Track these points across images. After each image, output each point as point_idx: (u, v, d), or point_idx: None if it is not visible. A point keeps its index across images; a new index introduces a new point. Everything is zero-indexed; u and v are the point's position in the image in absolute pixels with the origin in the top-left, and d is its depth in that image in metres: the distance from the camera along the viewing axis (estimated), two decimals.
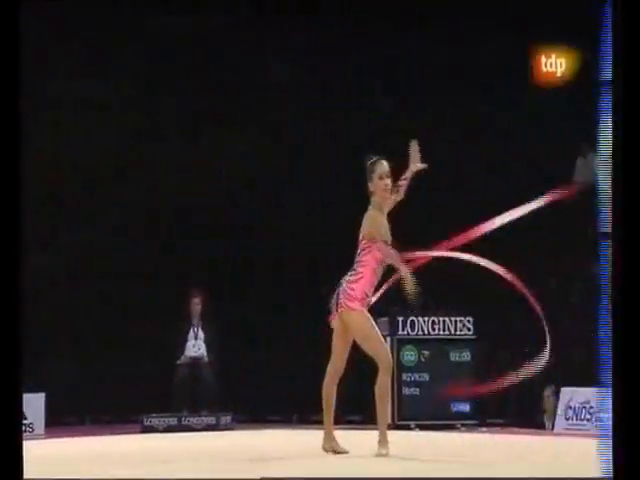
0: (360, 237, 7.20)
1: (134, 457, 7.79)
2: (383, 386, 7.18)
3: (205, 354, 12.70)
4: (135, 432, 11.72)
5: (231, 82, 14.91)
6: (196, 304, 12.83)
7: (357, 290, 7.17)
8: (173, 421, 12.04)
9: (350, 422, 12.04)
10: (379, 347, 7.22)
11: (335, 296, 7.31)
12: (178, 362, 12.70)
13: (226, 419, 12.18)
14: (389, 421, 11.62)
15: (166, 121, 15.27)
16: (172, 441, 9.99)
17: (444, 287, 13.52)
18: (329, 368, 7.48)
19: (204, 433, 11.57)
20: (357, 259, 7.21)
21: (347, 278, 7.22)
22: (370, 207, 7.20)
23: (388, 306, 11.85)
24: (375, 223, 7.11)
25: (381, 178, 7.13)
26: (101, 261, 14.51)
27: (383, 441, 7.09)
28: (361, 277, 7.16)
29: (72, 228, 14.41)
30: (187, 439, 10.34)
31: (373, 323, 7.27)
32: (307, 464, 6.78)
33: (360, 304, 7.17)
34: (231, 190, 15.12)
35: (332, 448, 7.23)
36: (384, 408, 7.23)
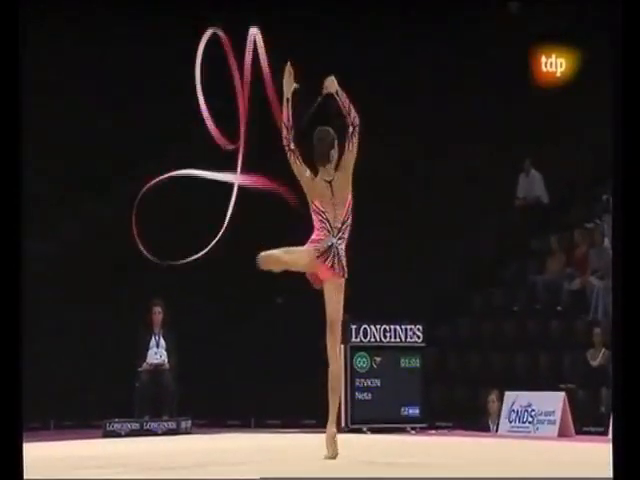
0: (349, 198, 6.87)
1: (98, 461, 7.68)
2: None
3: (166, 361, 12.59)
4: (97, 437, 11.56)
5: None
6: (157, 313, 12.72)
7: None
8: (135, 426, 11.93)
9: (305, 426, 11.98)
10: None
11: (336, 257, 6.75)
12: (140, 369, 12.58)
13: (186, 424, 12.10)
14: (342, 424, 11.63)
15: (135, 136, 15.14)
16: (134, 445, 9.86)
17: (395, 297, 13.55)
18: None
19: (165, 437, 11.46)
20: (347, 219, 6.83)
21: (342, 242, 6.80)
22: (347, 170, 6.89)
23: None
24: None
25: None
26: (65, 269, 14.36)
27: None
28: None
29: (37, 238, 14.23)
30: (148, 443, 10.22)
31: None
32: (262, 467, 6.68)
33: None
34: (193, 199, 15.02)
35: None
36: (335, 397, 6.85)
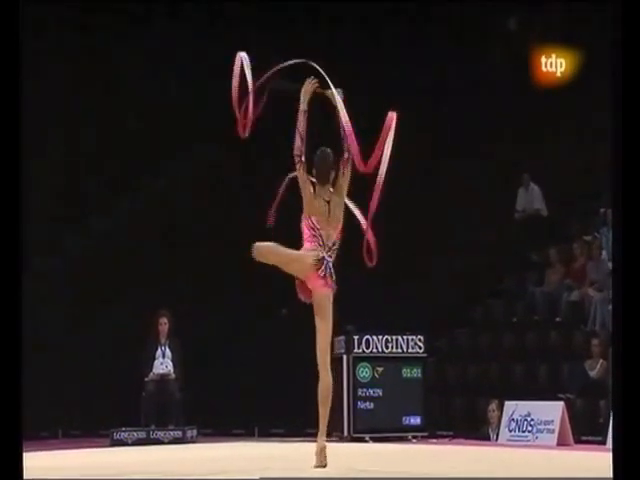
0: (340, 222, 6.87)
1: (105, 469, 7.68)
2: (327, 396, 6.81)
3: (172, 371, 12.58)
4: (105, 445, 11.55)
5: None
6: (164, 323, 12.72)
7: None
8: (141, 435, 11.93)
9: (308, 435, 11.96)
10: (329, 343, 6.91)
11: (328, 269, 6.81)
12: (146, 379, 12.57)
13: (192, 432, 12.10)
14: (345, 433, 11.62)
15: (139, 149, 15.16)
16: (140, 454, 9.85)
17: (396, 308, 13.54)
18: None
19: (171, 446, 11.44)
20: (336, 242, 6.87)
21: (330, 260, 6.83)
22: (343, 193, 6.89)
23: (343, 325, 11.83)
24: None
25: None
26: (72, 282, 14.38)
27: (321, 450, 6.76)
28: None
29: (44, 251, 14.26)
30: (154, 452, 10.20)
31: None
32: (265, 475, 6.67)
33: None
34: (197, 210, 15.04)
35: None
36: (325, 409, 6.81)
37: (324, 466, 6.68)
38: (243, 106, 6.86)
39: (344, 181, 6.87)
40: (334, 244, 6.87)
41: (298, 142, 6.80)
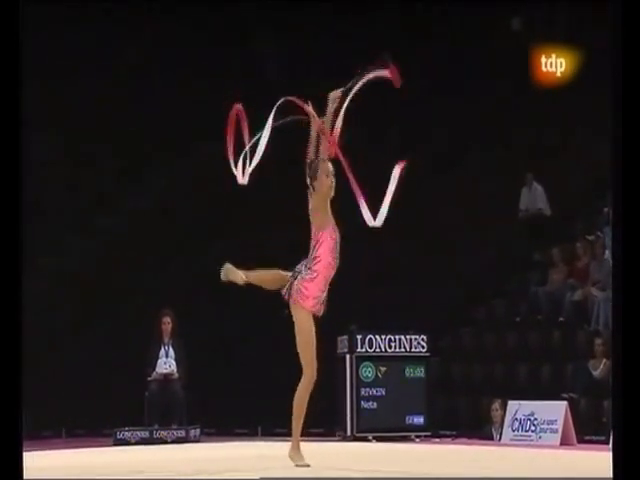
0: (313, 231, 6.72)
1: (108, 469, 7.69)
2: (303, 395, 6.93)
3: (175, 371, 12.60)
4: (108, 445, 11.56)
5: None
6: (167, 323, 12.73)
7: (311, 290, 6.73)
8: (145, 434, 11.95)
9: (311, 434, 11.97)
10: (312, 357, 6.96)
11: (287, 289, 6.82)
12: (149, 378, 12.58)
13: (195, 432, 12.11)
14: (348, 433, 11.63)
15: (139, 149, 15.18)
16: (143, 453, 9.86)
17: (399, 307, 13.55)
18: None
19: (174, 445, 11.45)
20: (312, 254, 6.72)
21: (302, 274, 6.74)
22: (314, 200, 6.70)
23: (347, 325, 11.84)
24: (325, 210, 6.66)
25: (327, 176, 6.63)
26: (75, 282, 14.40)
27: (296, 450, 6.86)
28: (316, 276, 6.71)
29: (48, 250, 14.28)
30: (158, 451, 10.21)
31: (314, 331, 6.92)
32: (267, 474, 6.69)
33: (313, 302, 6.78)
34: (200, 208, 15.05)
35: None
36: (299, 416, 6.96)
37: (307, 465, 6.77)
38: (240, 158, 6.74)
39: (315, 183, 6.67)
40: (310, 255, 6.75)
41: (307, 170, 6.76)
